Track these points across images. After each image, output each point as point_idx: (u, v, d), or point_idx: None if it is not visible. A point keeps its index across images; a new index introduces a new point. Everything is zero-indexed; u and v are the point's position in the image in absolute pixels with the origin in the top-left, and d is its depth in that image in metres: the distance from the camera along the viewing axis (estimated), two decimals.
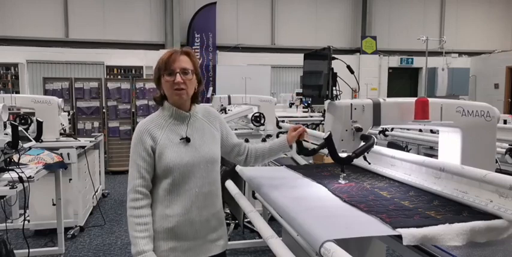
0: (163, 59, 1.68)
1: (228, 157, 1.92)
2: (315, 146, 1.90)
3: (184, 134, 1.70)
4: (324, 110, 3.94)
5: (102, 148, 5.86)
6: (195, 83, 1.72)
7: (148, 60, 9.96)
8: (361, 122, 1.79)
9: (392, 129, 4.41)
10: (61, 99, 4.47)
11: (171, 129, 1.70)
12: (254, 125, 4.39)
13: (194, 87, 1.73)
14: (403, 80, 12.09)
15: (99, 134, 5.62)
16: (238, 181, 2.40)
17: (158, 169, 1.66)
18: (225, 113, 4.53)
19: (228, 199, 2.17)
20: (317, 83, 2.04)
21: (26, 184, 2.71)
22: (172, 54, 1.68)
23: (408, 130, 4.46)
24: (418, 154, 4.17)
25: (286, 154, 2.99)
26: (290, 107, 8.41)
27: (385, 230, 1.25)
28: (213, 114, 1.85)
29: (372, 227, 1.29)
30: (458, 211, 1.41)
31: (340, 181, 1.87)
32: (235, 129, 4.99)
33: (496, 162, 2.60)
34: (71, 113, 6.42)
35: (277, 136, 4.27)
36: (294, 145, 1.92)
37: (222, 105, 4.52)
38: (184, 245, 1.67)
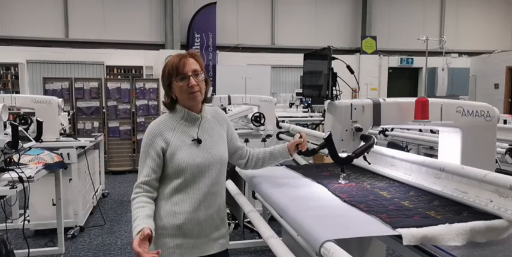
0: (173, 64, 1.68)
1: (229, 159, 1.94)
2: (315, 146, 1.91)
3: (196, 136, 1.73)
4: (324, 110, 3.94)
5: (102, 148, 5.86)
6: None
7: (148, 60, 9.98)
8: (361, 122, 1.79)
9: (392, 129, 4.41)
10: (61, 99, 4.47)
11: (182, 130, 1.73)
12: (254, 125, 4.38)
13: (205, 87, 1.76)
14: (403, 80, 12.08)
15: (99, 134, 5.62)
16: (238, 181, 2.40)
17: (170, 169, 1.69)
18: (225, 113, 4.52)
19: (228, 199, 2.17)
20: (317, 83, 2.04)
21: (26, 184, 2.71)
22: (181, 58, 1.69)
23: (408, 129, 4.46)
24: (418, 154, 4.17)
25: None
26: (290, 107, 8.41)
27: (385, 230, 1.25)
28: (221, 116, 1.89)
29: (372, 227, 1.29)
30: (458, 211, 1.41)
31: (340, 181, 1.87)
32: (236, 129, 4.97)
33: (496, 162, 2.60)
34: (71, 113, 6.41)
35: (277, 136, 4.28)
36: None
37: (222, 105, 4.51)
38: (190, 242, 1.71)
